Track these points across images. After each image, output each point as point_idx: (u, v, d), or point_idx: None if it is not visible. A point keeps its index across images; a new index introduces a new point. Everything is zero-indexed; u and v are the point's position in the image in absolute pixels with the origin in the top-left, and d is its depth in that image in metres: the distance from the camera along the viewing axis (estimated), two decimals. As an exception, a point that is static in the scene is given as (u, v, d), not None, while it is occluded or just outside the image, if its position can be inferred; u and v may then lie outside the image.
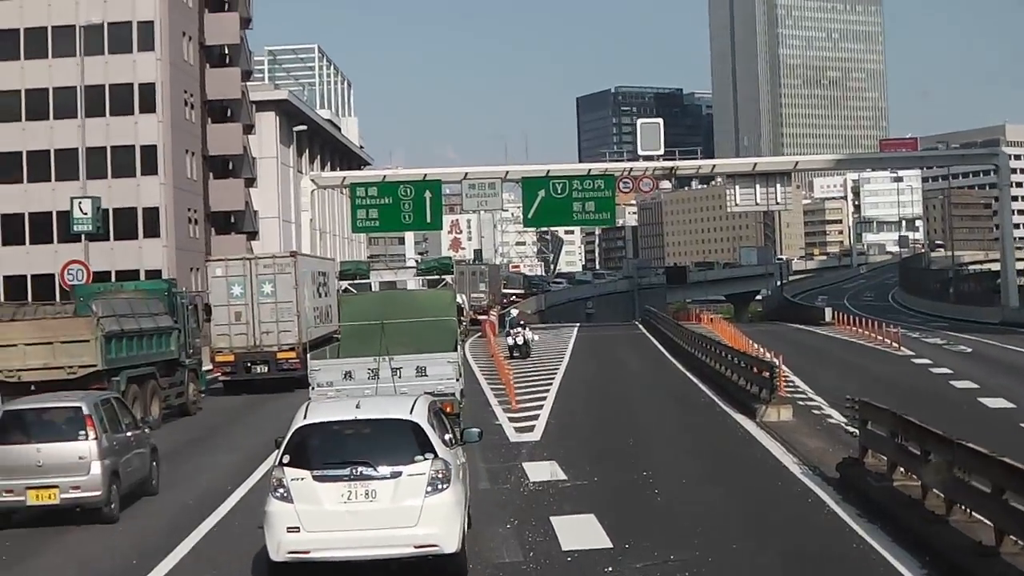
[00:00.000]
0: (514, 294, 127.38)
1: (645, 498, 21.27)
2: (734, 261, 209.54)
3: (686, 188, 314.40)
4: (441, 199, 76.45)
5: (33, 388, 30.30)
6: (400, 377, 27.48)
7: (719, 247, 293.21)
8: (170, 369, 38.51)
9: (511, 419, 33.54)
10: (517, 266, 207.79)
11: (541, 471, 24.35)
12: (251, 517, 18.88)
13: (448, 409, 24.12)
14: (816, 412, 33.12)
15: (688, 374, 45.55)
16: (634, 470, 24.06)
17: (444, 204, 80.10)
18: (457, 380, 29.13)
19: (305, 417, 16.26)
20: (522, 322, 61.06)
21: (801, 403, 33.96)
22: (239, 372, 45.47)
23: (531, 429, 31.31)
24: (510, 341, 57.31)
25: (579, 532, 18.41)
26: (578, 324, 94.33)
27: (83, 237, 57.05)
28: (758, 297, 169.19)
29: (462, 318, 65.94)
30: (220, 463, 28.40)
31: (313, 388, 28.31)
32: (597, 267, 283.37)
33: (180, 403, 39.23)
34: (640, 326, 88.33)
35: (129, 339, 34.92)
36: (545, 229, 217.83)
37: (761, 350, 42.37)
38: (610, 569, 16.13)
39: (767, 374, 31.99)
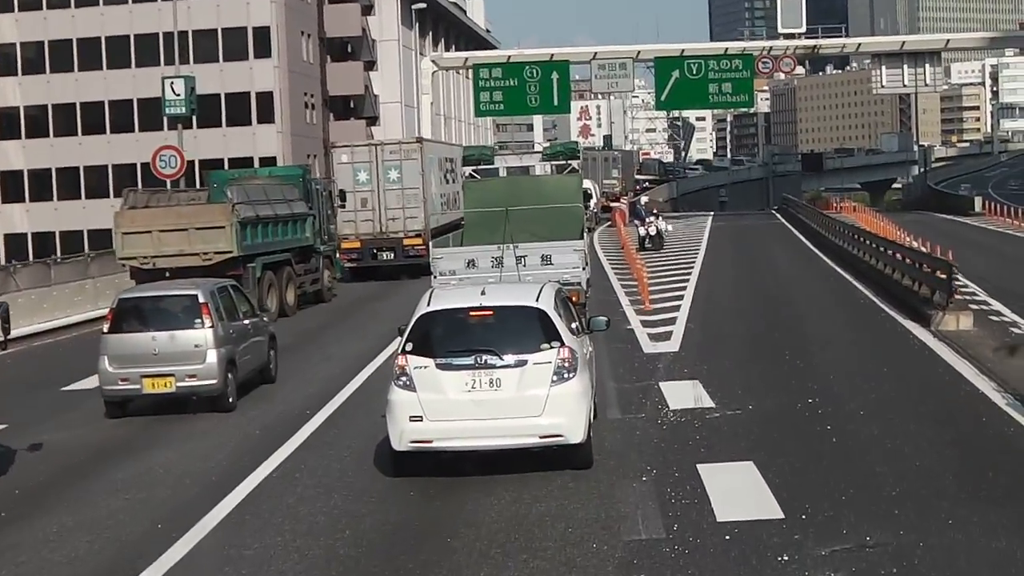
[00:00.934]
0: (648, 181, 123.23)
1: (815, 437, 16.95)
2: (875, 147, 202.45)
3: (820, 73, 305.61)
4: (569, 81, 72.84)
5: (168, 275, 30.32)
6: (525, 266, 26.81)
7: (854, 134, 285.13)
8: (305, 256, 38.56)
9: (644, 323, 29.86)
10: (647, 152, 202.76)
11: (683, 395, 20.30)
12: (373, 406, 18.17)
13: (574, 299, 22.80)
14: (996, 319, 28.56)
15: (841, 271, 41.23)
16: (796, 395, 19.94)
17: (573, 90, 76.62)
18: (583, 269, 28.04)
19: (428, 304, 15.85)
20: (655, 211, 57.37)
21: (977, 308, 29.30)
22: (365, 259, 46.20)
23: (668, 336, 27.52)
24: (642, 231, 53.82)
25: (737, 491, 14.23)
26: (712, 213, 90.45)
27: (191, 121, 54.53)
28: (895, 185, 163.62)
29: (590, 205, 63.51)
30: (344, 351, 28.15)
31: (435, 277, 27.31)
32: (729, 154, 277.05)
33: (315, 290, 39.52)
34: (777, 215, 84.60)
35: (264, 225, 34.75)
36: (676, 115, 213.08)
37: (922, 245, 37.86)
38: (785, 558, 11.76)
39: (943, 275, 27.63)
